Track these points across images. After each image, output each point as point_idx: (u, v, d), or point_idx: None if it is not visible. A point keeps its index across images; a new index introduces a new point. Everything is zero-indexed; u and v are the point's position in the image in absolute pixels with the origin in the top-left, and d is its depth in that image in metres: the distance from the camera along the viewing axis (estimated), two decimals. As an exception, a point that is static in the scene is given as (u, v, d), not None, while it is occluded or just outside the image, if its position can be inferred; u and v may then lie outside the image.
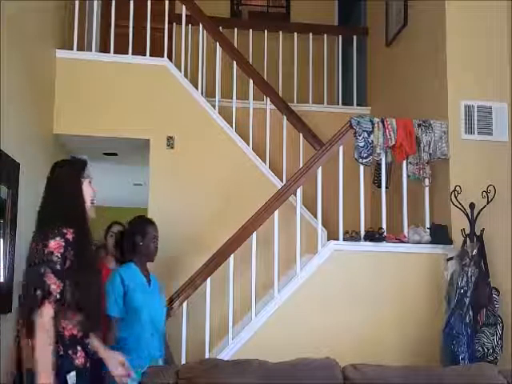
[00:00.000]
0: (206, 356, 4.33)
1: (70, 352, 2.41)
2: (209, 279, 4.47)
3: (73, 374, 2.39)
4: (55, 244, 2.38)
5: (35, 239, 2.47)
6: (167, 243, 5.28)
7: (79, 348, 2.45)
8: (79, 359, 2.43)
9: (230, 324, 4.45)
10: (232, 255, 4.50)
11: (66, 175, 2.59)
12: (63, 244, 2.39)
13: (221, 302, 4.57)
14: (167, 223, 5.36)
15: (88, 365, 2.50)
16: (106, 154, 6.25)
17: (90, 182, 2.63)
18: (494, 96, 4.73)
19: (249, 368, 3.00)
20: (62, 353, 2.38)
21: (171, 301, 4.38)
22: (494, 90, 4.75)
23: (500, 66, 4.76)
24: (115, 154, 6.29)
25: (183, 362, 4.15)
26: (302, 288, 4.41)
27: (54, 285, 2.34)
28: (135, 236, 3.85)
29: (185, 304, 4.42)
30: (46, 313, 2.33)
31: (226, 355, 4.28)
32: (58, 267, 2.37)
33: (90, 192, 2.62)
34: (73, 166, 2.66)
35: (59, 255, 2.37)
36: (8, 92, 4.15)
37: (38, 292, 2.33)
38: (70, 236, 2.41)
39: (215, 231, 5.09)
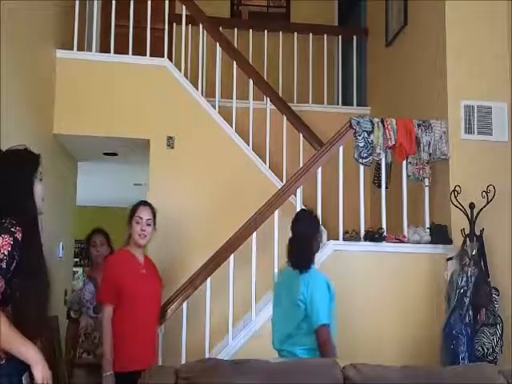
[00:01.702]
0: (206, 356, 4.33)
1: None
2: (209, 279, 4.47)
3: (26, 374, 2.28)
4: (2, 241, 2.22)
5: None
6: (167, 243, 5.30)
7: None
8: None
9: (230, 324, 4.45)
10: (232, 255, 4.50)
11: (20, 174, 2.41)
12: (11, 242, 2.24)
13: (221, 302, 4.57)
14: (167, 223, 5.37)
15: None
16: (105, 154, 6.25)
17: (41, 180, 2.47)
18: (494, 96, 4.74)
19: (249, 368, 2.99)
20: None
21: (171, 301, 4.38)
22: (493, 90, 4.75)
23: (500, 66, 4.77)
24: (115, 154, 6.29)
25: (183, 361, 4.15)
26: (301, 288, 4.40)
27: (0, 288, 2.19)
28: (318, 236, 3.64)
29: (185, 304, 4.42)
30: None
31: (225, 355, 4.28)
32: (4, 265, 2.21)
33: (41, 192, 2.46)
34: (28, 164, 2.46)
35: (6, 253, 2.22)
36: (8, 92, 4.15)
37: None
38: (18, 235, 2.26)
39: (215, 231, 5.09)
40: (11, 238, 2.26)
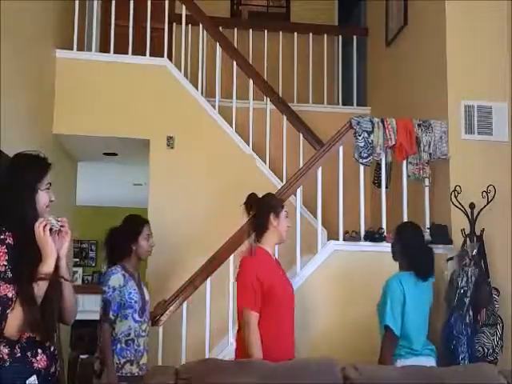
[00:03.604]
0: (206, 356, 4.33)
1: (28, 354, 2.31)
2: (209, 279, 4.47)
3: (33, 378, 2.29)
4: None
5: None
6: (167, 243, 5.29)
7: (39, 351, 2.34)
8: (40, 362, 2.33)
9: (230, 324, 4.45)
10: (232, 255, 4.50)
11: (22, 180, 2.41)
12: (6, 250, 2.27)
13: (221, 302, 4.57)
14: (167, 223, 5.37)
15: (53, 369, 2.39)
16: (105, 154, 6.26)
17: (48, 189, 2.47)
18: (494, 96, 4.73)
19: (249, 368, 2.99)
20: (18, 355, 2.28)
21: (171, 301, 4.38)
22: (494, 90, 4.74)
23: (500, 66, 4.76)
24: (115, 154, 6.30)
25: (183, 362, 4.15)
26: (301, 288, 4.40)
27: (10, 293, 2.25)
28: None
29: (185, 304, 4.42)
30: (13, 327, 2.25)
31: (225, 355, 4.28)
32: (9, 274, 2.26)
33: (46, 201, 2.45)
34: (34, 171, 2.45)
35: (5, 263, 2.26)
36: (8, 92, 4.15)
37: None
38: (10, 240, 2.29)
39: (215, 231, 5.09)
40: (3, 247, 2.28)
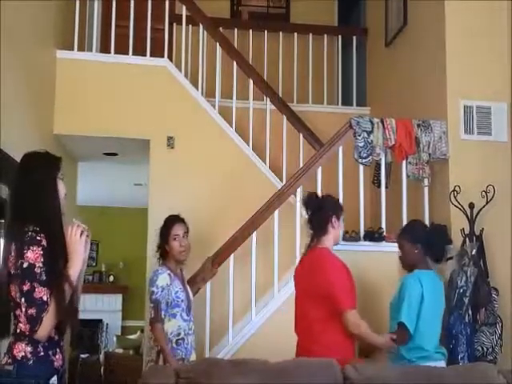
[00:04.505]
0: (206, 356, 4.34)
1: (50, 353, 2.35)
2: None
3: (54, 378, 2.34)
4: (33, 255, 2.28)
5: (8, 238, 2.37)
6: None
7: (57, 350, 2.39)
8: (58, 361, 2.38)
9: (230, 324, 4.46)
10: (232, 255, 4.51)
11: (46, 177, 2.44)
12: (41, 252, 2.29)
13: (221, 302, 4.58)
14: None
15: (64, 366, 2.45)
16: (106, 154, 6.26)
17: (62, 180, 2.51)
18: (494, 96, 4.74)
19: (249, 368, 3.00)
20: (42, 354, 2.32)
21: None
22: (493, 90, 4.75)
23: (500, 66, 4.77)
24: (115, 154, 6.30)
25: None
26: (301, 288, 4.41)
27: (45, 296, 2.28)
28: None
29: (185, 304, 4.42)
30: (46, 329, 2.30)
31: (226, 355, 4.29)
32: (44, 277, 2.28)
33: (63, 191, 2.49)
34: (51, 166, 2.50)
35: (41, 265, 2.28)
36: (8, 92, 4.15)
37: (33, 311, 2.25)
38: (44, 243, 2.32)
39: (215, 231, 5.10)
40: (40, 248, 2.31)
